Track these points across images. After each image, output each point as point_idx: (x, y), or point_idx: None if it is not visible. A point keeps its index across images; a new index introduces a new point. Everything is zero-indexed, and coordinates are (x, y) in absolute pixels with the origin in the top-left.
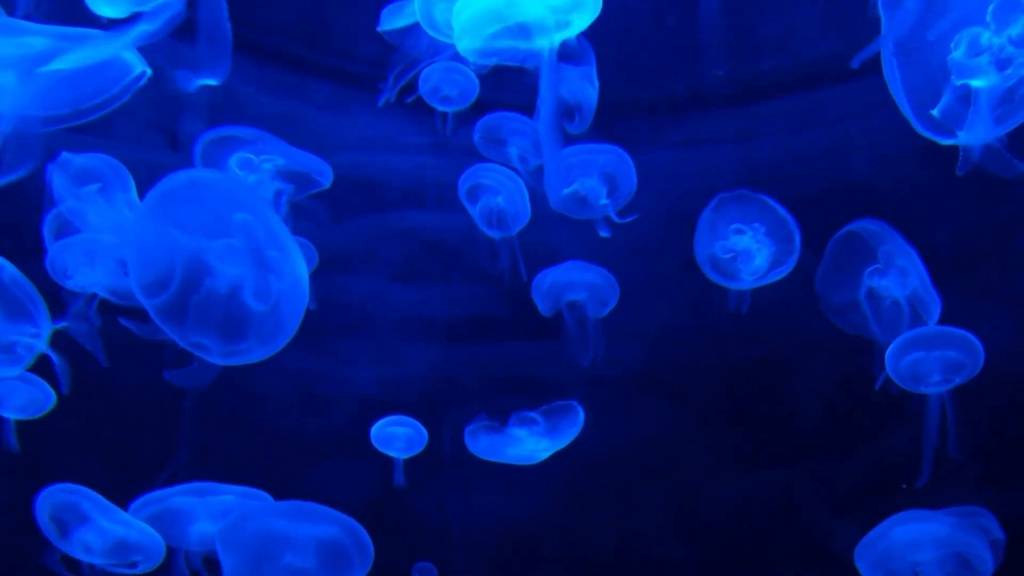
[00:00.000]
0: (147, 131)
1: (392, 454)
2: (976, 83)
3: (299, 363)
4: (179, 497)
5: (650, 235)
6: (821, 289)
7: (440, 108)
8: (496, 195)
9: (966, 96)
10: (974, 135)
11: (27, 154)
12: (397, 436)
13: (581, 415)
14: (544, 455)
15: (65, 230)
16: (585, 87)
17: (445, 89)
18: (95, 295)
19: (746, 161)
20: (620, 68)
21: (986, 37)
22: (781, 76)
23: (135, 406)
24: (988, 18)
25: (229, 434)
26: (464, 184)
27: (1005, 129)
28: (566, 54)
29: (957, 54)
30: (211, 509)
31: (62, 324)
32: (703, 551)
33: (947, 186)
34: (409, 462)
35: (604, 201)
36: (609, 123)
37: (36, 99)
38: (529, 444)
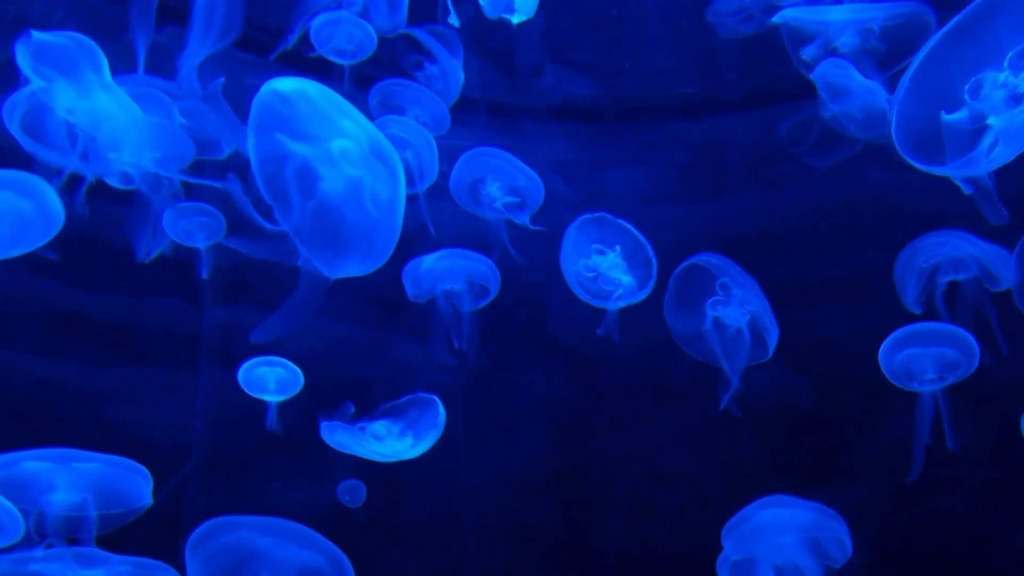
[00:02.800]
0: None
1: (265, 398)
2: (990, 120)
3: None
4: (35, 462)
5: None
6: (669, 320)
7: (336, 61)
8: (404, 149)
9: (960, 129)
10: (970, 168)
11: None
12: (267, 378)
13: (441, 410)
14: (412, 452)
15: (36, 113)
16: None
17: (340, 42)
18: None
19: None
20: (634, 70)
21: (1003, 76)
22: (794, 80)
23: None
24: (1005, 63)
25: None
26: None
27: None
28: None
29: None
30: (74, 478)
31: None
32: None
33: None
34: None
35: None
36: (622, 124)
37: None
38: (390, 440)
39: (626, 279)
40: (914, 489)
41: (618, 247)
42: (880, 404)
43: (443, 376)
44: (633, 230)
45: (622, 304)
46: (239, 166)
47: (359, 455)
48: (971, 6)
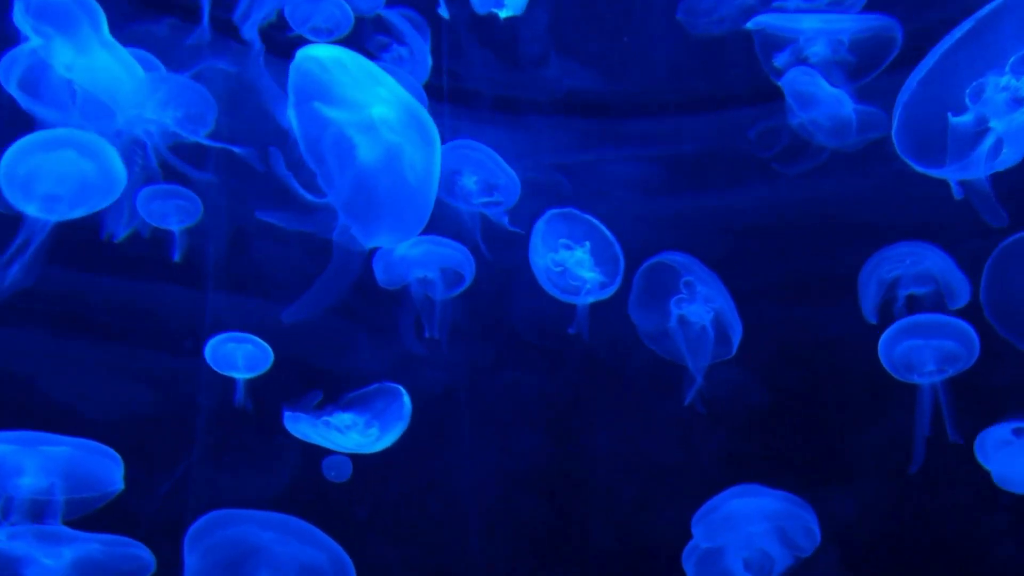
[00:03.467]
0: None
1: (233, 375)
2: (993, 122)
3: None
4: (2, 445)
5: None
6: (634, 318)
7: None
8: None
9: (963, 132)
10: (969, 171)
11: None
12: (235, 355)
13: (406, 400)
14: (377, 445)
15: (36, 71)
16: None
17: (318, 21)
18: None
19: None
20: (640, 67)
21: (1005, 80)
22: None
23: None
24: (1007, 67)
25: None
26: None
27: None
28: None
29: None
30: (42, 462)
31: None
32: None
33: None
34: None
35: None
36: (627, 117)
37: None
38: (354, 432)
39: (590, 275)
40: (916, 482)
41: (587, 243)
42: (880, 400)
43: (438, 372)
44: (601, 226)
45: (591, 300)
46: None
47: (324, 447)
48: (980, 12)
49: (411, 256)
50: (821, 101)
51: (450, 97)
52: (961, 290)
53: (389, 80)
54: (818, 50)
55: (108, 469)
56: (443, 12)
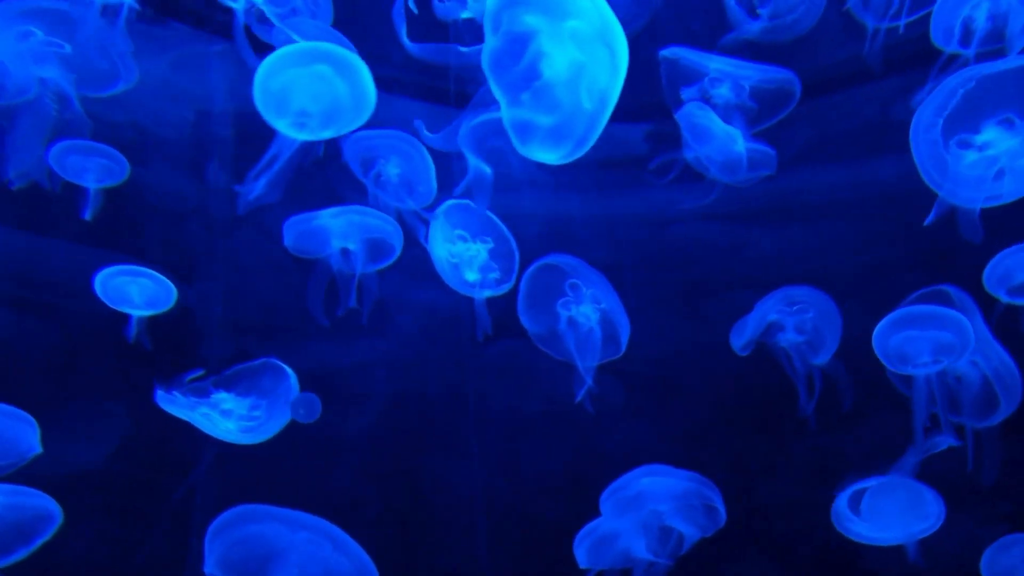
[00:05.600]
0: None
1: (127, 311)
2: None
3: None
4: None
5: None
6: (524, 321)
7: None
8: None
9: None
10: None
11: None
12: (128, 290)
13: (293, 382)
14: (262, 433)
15: None
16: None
17: None
18: None
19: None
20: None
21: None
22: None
23: None
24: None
25: None
26: None
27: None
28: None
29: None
30: None
31: None
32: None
33: None
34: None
35: None
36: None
37: None
38: (237, 416)
39: (477, 274)
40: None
41: (485, 237)
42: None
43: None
44: (497, 221)
45: (487, 295)
46: None
47: (203, 430)
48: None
49: (334, 226)
50: (714, 137)
51: (456, 101)
52: (828, 350)
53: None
54: (722, 92)
55: (24, 433)
56: (412, 6)
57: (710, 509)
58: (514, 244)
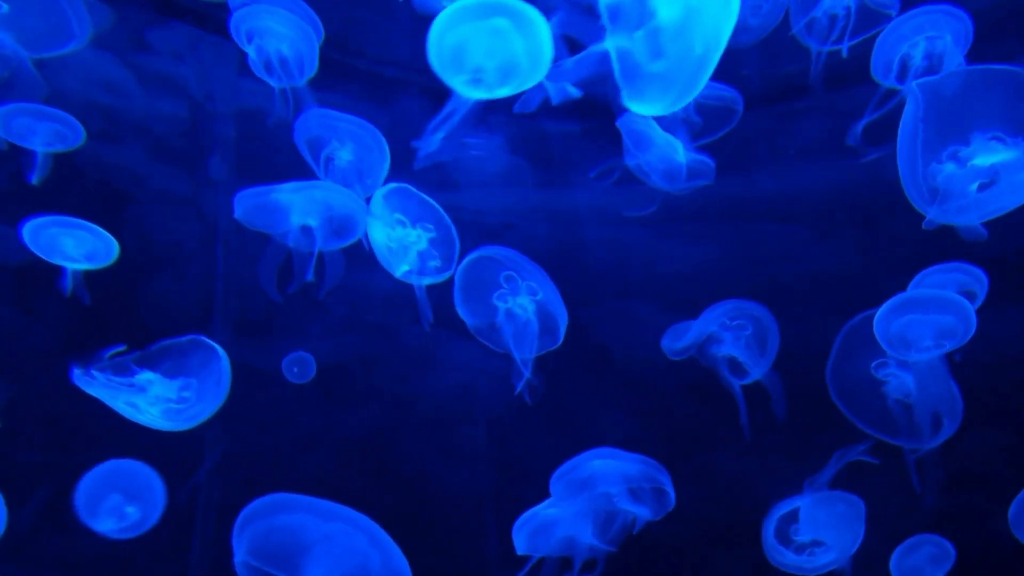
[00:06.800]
0: None
1: (61, 263)
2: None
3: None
4: None
5: None
6: (462, 314)
7: None
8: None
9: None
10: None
11: None
12: (61, 242)
13: (225, 364)
14: (191, 418)
15: None
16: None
17: None
18: None
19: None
20: None
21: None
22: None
23: None
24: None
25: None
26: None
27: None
28: None
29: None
30: None
31: None
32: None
33: None
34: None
35: None
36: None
37: None
38: (163, 399)
39: (418, 256)
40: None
41: (426, 224)
42: None
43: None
44: (437, 207)
45: (427, 282)
46: None
47: (123, 414)
48: None
49: (294, 201)
50: (656, 145)
51: None
52: (755, 371)
53: None
54: None
55: None
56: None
57: (660, 492)
58: (455, 232)
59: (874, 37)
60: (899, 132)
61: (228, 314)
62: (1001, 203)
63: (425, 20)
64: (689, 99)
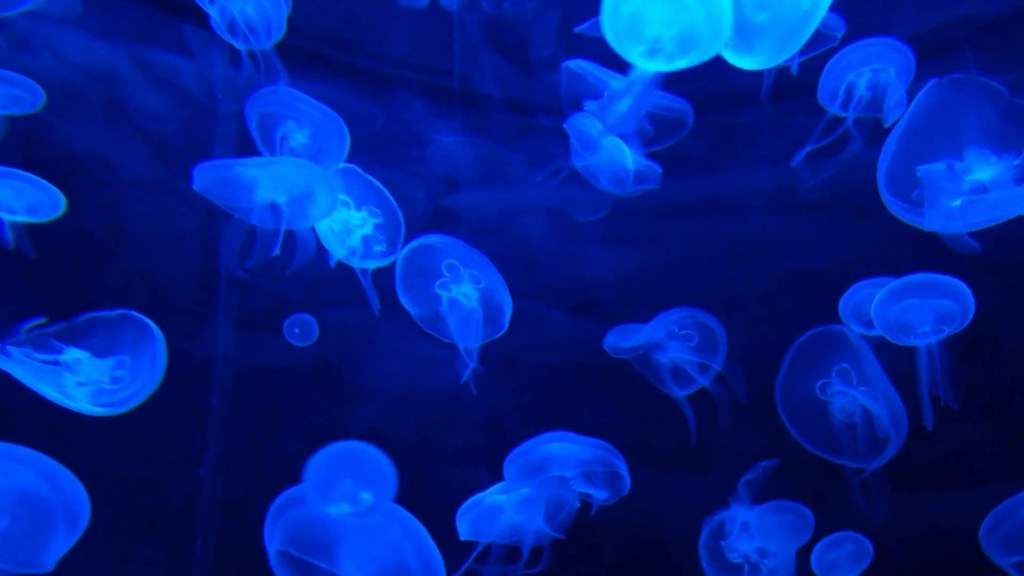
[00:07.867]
0: None
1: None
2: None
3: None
4: None
5: None
6: (405, 303)
7: None
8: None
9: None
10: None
11: None
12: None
13: (161, 346)
14: (126, 395)
15: None
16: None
17: None
18: None
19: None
20: None
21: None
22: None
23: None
24: None
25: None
26: None
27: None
28: None
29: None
30: None
31: None
32: None
33: None
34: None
35: None
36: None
37: None
38: (95, 381)
39: (362, 239)
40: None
41: (372, 208)
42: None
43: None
44: (383, 190)
45: (372, 266)
46: None
47: (47, 397)
48: None
49: (260, 177)
50: (603, 148)
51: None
52: (707, 376)
53: None
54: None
55: None
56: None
57: (614, 476)
58: (400, 215)
59: (820, 57)
60: (885, 143)
61: (230, 313)
62: (987, 216)
63: (423, 18)
64: (790, 54)
